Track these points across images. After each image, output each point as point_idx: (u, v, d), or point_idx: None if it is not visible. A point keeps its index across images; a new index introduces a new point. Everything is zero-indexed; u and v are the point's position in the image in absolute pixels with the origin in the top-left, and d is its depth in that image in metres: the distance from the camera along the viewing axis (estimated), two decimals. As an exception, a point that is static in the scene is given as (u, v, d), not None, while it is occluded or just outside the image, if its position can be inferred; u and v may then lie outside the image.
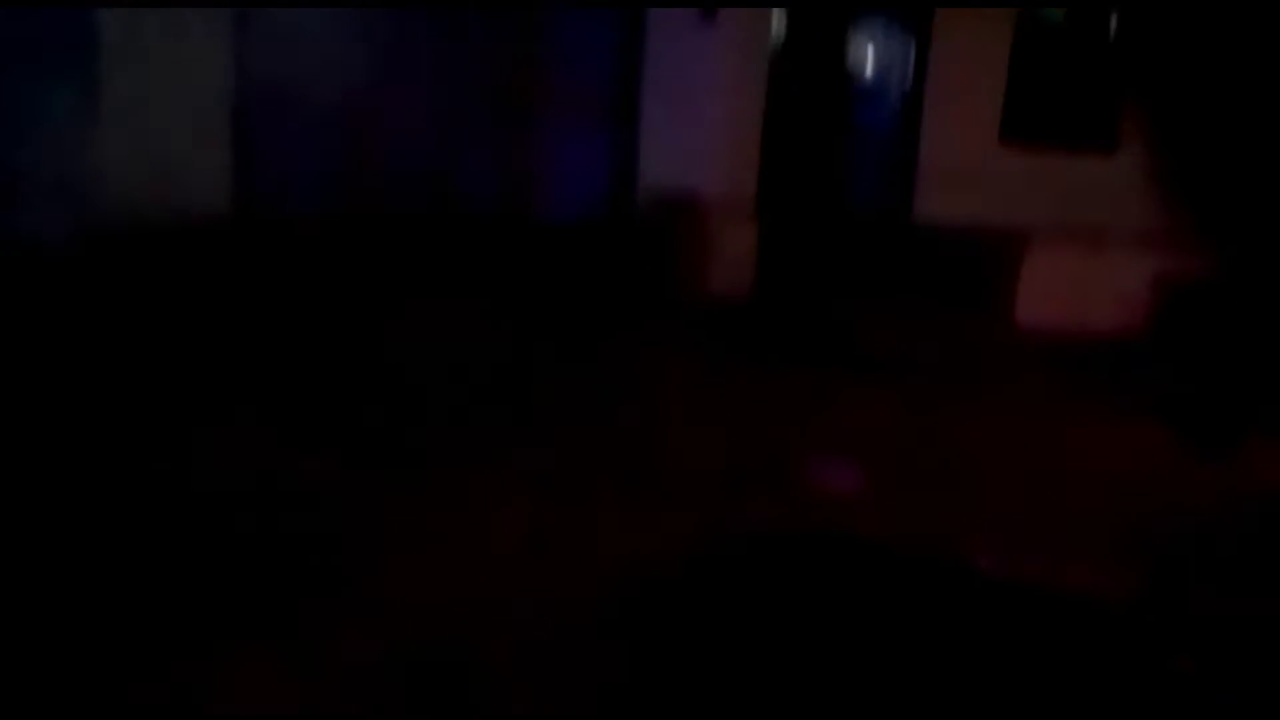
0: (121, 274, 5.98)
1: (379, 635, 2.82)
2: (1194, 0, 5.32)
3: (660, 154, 7.97)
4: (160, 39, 6.48)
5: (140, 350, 5.34)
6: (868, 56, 8.63)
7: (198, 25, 6.63)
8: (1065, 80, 8.72)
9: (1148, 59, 7.69)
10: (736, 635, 2.95)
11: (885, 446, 4.86)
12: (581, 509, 3.83)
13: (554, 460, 4.34)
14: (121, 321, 5.60)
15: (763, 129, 8.25)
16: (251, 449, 4.23)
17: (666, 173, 7.94)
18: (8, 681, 2.50)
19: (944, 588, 3.35)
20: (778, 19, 8.24)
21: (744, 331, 6.83)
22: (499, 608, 3.04)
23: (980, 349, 7.12)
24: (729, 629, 2.99)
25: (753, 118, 8.18)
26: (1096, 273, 7.39)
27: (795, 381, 5.85)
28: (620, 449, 4.56)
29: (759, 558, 3.52)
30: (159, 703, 2.47)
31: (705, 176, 7.92)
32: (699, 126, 7.88)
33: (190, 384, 5.00)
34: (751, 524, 3.80)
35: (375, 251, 7.15)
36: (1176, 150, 5.79)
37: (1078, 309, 7.35)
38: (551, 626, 2.93)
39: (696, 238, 7.60)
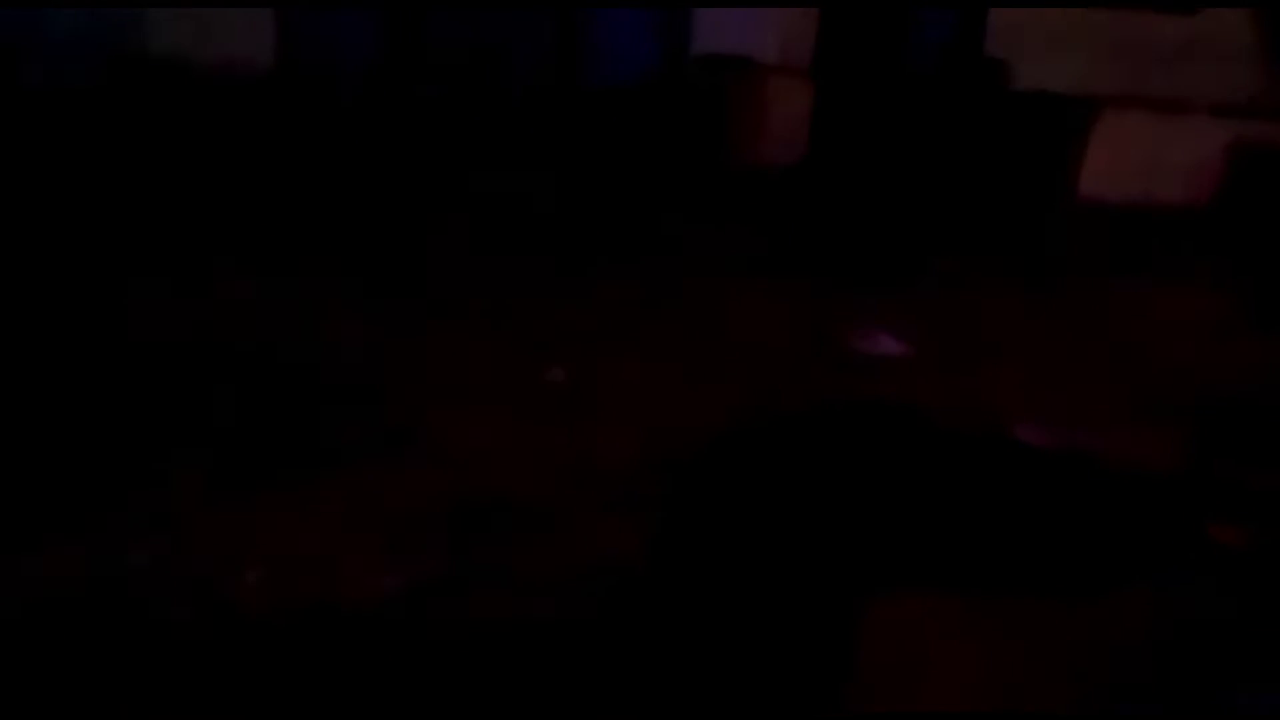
0: (157, 128, 6.02)
1: (424, 482, 2.92)
2: None
3: (713, 19, 7.69)
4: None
5: (178, 199, 5.42)
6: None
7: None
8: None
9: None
10: (780, 500, 2.99)
11: (934, 318, 4.81)
12: (626, 370, 3.87)
13: (599, 323, 4.36)
14: (152, 172, 5.67)
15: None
16: (306, 308, 4.31)
17: (720, 38, 7.69)
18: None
19: (988, 457, 3.35)
20: None
21: (795, 201, 6.68)
22: (542, 459, 3.12)
23: (1042, 220, 6.91)
24: (770, 493, 3.03)
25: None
26: (1169, 141, 7.06)
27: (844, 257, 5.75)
28: (668, 317, 4.57)
29: (805, 425, 3.53)
30: (210, 549, 2.61)
31: (760, 42, 7.64)
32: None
33: (225, 239, 5.08)
34: (801, 391, 3.82)
35: (421, 116, 7.07)
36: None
37: (1146, 179, 7.06)
38: (593, 480, 3.00)
39: (750, 103, 7.38)
